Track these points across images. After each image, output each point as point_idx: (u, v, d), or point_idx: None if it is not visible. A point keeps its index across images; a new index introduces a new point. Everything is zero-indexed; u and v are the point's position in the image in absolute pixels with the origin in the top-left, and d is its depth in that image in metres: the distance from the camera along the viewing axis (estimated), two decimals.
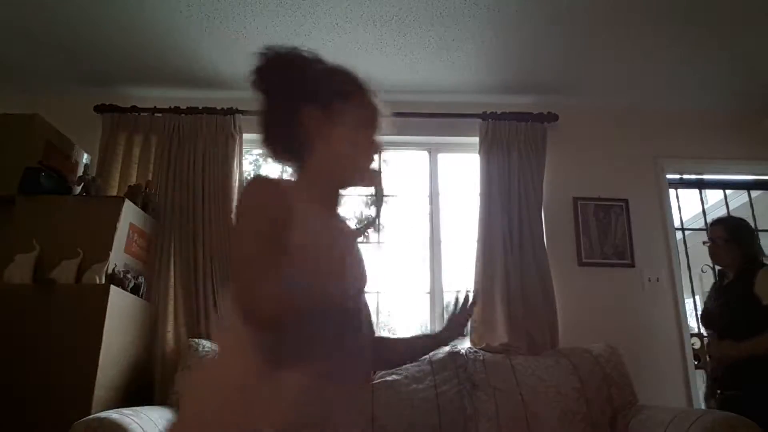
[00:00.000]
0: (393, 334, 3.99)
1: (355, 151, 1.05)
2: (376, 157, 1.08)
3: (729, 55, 2.85)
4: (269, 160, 1.13)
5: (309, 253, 0.93)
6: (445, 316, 1.29)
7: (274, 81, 1.04)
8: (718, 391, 2.33)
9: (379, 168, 1.17)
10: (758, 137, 3.29)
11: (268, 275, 0.87)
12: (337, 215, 1.11)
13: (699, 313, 2.66)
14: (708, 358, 2.46)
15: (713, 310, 2.47)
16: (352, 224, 1.17)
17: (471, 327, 2.84)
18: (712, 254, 2.53)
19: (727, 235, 2.48)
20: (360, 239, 1.15)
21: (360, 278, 1.08)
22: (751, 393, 2.15)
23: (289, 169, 1.09)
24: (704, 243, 2.58)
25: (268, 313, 0.87)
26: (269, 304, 0.86)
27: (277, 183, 0.99)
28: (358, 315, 1.04)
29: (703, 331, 2.66)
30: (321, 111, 1.02)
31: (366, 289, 1.12)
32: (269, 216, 0.92)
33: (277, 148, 1.09)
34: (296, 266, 0.90)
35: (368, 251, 3.26)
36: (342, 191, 1.09)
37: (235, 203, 0.92)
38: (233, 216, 1.06)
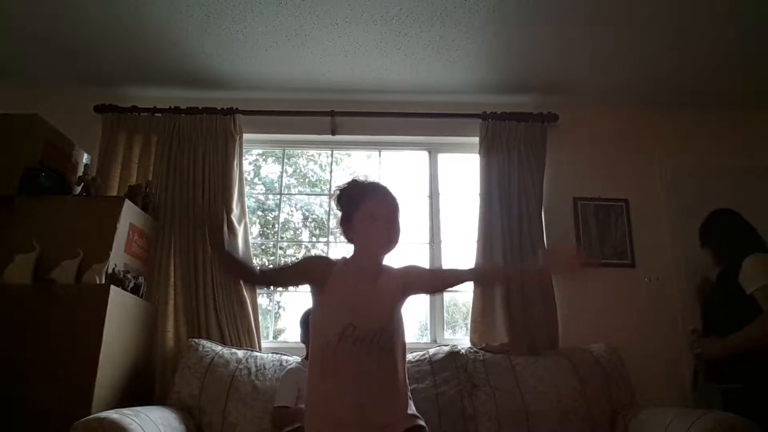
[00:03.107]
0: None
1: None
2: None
3: (728, 55, 2.85)
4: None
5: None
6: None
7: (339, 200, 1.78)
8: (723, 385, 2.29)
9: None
10: (758, 137, 3.29)
11: None
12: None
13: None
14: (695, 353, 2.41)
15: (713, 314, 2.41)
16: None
17: (473, 325, 2.84)
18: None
19: (700, 240, 2.49)
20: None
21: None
22: (754, 386, 2.11)
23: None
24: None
25: None
26: None
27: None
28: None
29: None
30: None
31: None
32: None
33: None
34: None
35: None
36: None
37: None
38: None
